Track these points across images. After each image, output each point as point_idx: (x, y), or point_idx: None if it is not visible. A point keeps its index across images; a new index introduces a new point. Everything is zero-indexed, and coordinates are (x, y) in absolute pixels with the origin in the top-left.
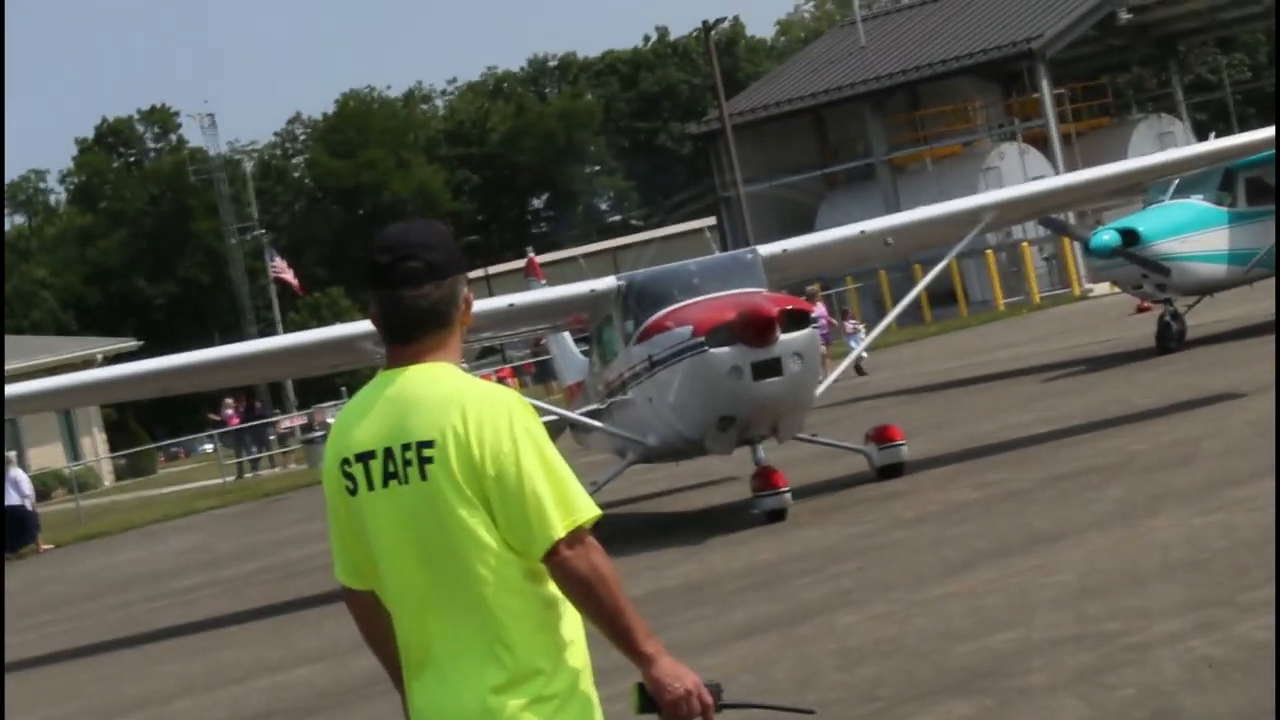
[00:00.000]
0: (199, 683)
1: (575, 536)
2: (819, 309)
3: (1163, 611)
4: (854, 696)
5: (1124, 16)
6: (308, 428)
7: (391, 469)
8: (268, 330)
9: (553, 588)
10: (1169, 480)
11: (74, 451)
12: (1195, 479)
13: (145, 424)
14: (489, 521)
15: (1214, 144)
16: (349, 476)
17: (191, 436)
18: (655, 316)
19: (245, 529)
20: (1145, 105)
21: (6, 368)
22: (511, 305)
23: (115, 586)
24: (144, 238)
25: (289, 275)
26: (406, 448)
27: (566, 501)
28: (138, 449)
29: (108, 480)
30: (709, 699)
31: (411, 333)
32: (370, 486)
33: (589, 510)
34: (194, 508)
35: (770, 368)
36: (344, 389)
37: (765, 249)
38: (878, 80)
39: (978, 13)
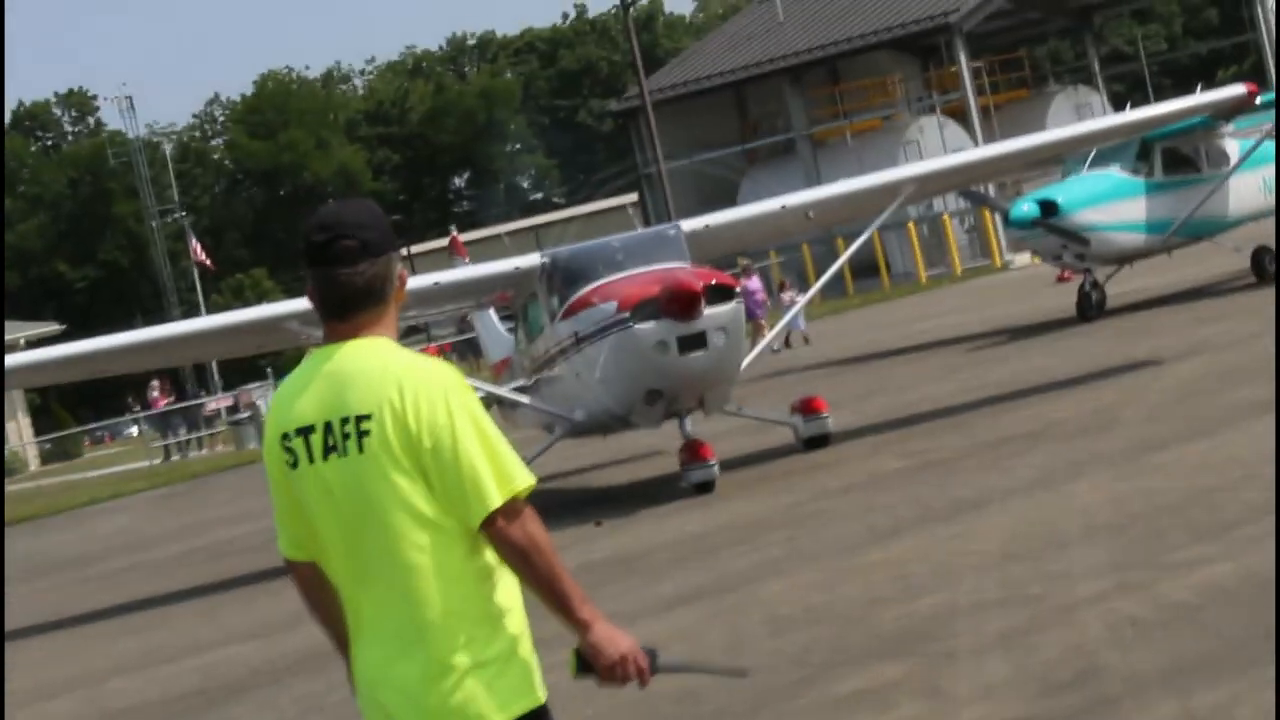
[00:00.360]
0: (131, 663)
1: (512, 506)
2: (754, 281)
3: (1085, 574)
4: (785, 662)
5: None
6: (234, 409)
7: (331, 442)
8: (191, 312)
9: (490, 556)
10: (1090, 446)
11: None
12: (1116, 445)
13: (69, 408)
14: (426, 493)
15: (1143, 112)
16: (289, 450)
17: (116, 420)
18: (580, 293)
19: (174, 511)
20: (1062, 77)
21: None
22: (437, 284)
23: (43, 570)
24: (64, 221)
25: (202, 255)
26: (345, 421)
27: (503, 472)
28: (63, 433)
29: (33, 465)
30: (644, 662)
31: (347, 309)
32: (310, 459)
33: (525, 480)
34: (121, 490)
35: (695, 341)
36: (269, 370)
37: (688, 224)
38: (796, 55)
39: None
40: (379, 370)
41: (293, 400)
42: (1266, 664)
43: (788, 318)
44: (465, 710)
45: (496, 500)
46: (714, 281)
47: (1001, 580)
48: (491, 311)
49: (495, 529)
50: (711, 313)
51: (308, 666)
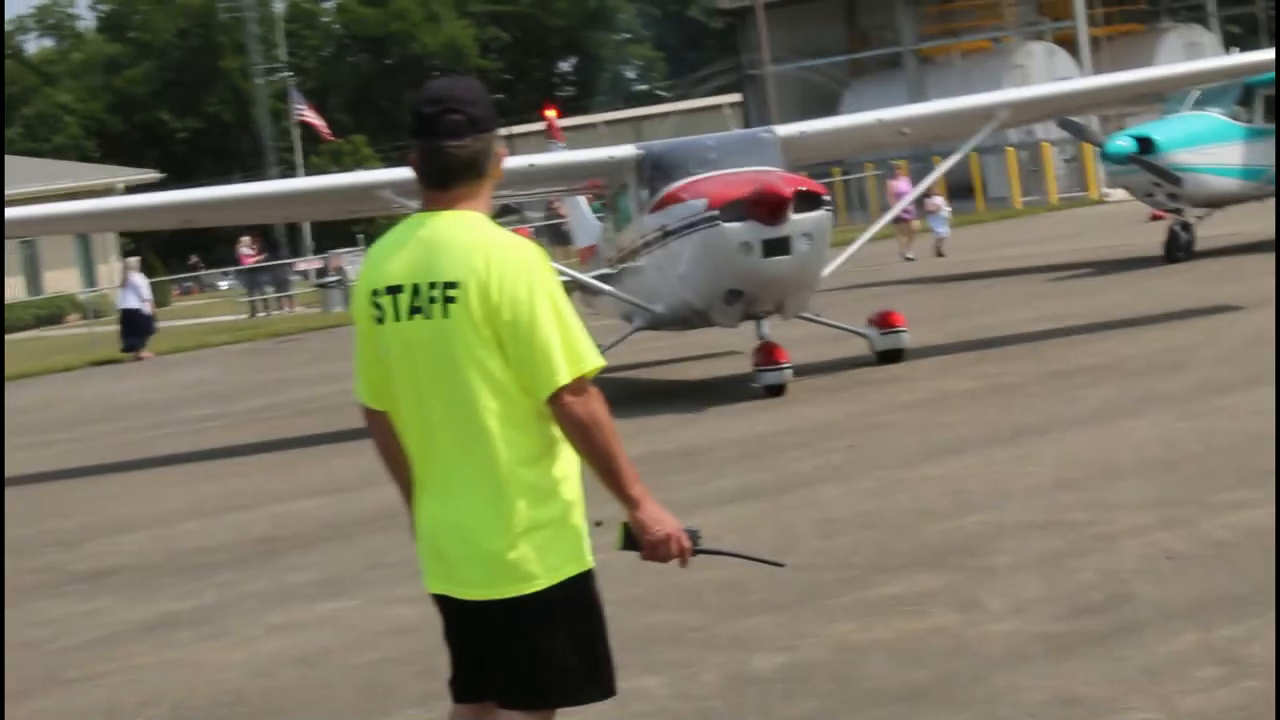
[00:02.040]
0: (205, 507)
1: (579, 384)
2: (903, 183)
3: (1131, 506)
4: (830, 563)
5: None
6: (322, 272)
7: (417, 304)
8: (288, 172)
9: (553, 428)
10: (1156, 384)
11: (90, 278)
12: (1182, 385)
13: (161, 258)
14: (501, 361)
15: (1248, 56)
16: (378, 306)
17: (207, 271)
18: (671, 188)
19: (255, 367)
20: (1178, 14)
21: (29, 189)
22: (532, 165)
23: (125, 411)
24: (170, 70)
25: (316, 119)
26: (433, 285)
27: (574, 351)
28: (153, 280)
29: None
30: (687, 543)
31: (448, 181)
32: (396, 318)
33: (593, 360)
34: (205, 342)
35: (780, 245)
36: (360, 237)
37: (783, 130)
38: None
39: None
40: (469, 242)
41: (385, 260)
42: None
43: (864, 237)
44: (518, 566)
45: (565, 376)
46: (803, 188)
47: (1049, 505)
48: (583, 199)
49: (561, 403)
50: (798, 219)
51: (375, 526)
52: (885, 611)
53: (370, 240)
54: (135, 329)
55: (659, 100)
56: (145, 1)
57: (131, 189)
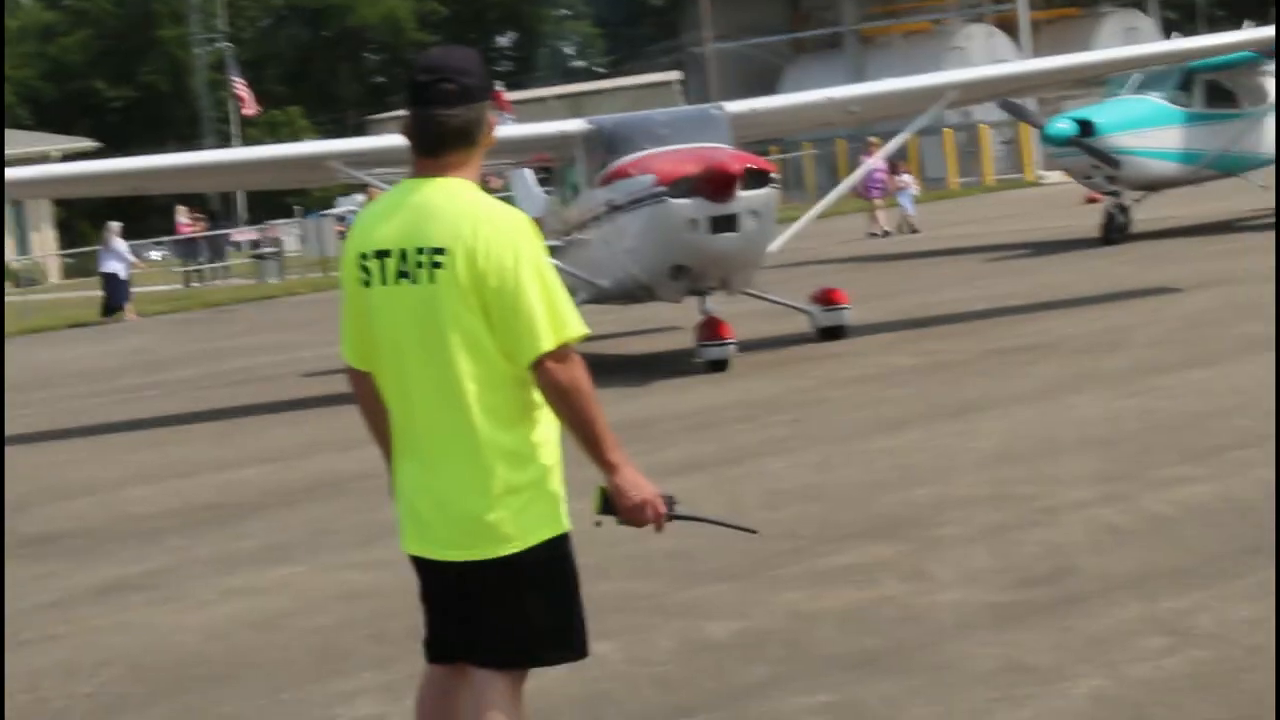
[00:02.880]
0: (149, 473)
1: (562, 351)
2: (876, 159)
3: (1074, 481)
4: (778, 534)
5: None
6: (257, 244)
7: (404, 268)
8: (224, 143)
9: (533, 394)
10: (1096, 363)
11: (23, 245)
12: (1121, 364)
13: (94, 227)
14: (485, 328)
15: (1198, 40)
16: (365, 270)
17: (140, 242)
18: (620, 163)
19: (192, 337)
20: None
21: None
22: None
23: (64, 379)
24: (106, 39)
25: (245, 91)
26: (420, 251)
27: (558, 318)
28: (87, 249)
29: (54, 277)
30: (662, 508)
31: (439, 149)
32: (383, 281)
33: (577, 328)
34: (141, 311)
35: (726, 223)
36: (296, 209)
37: (733, 106)
38: None
39: None
40: (458, 209)
41: (375, 225)
42: (1231, 578)
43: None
44: (496, 528)
45: (548, 343)
46: (752, 165)
47: (995, 479)
48: (528, 171)
49: (543, 369)
50: (746, 196)
51: (319, 494)
52: (834, 581)
53: (306, 212)
54: (116, 292)
55: (598, 76)
56: None
57: (67, 158)
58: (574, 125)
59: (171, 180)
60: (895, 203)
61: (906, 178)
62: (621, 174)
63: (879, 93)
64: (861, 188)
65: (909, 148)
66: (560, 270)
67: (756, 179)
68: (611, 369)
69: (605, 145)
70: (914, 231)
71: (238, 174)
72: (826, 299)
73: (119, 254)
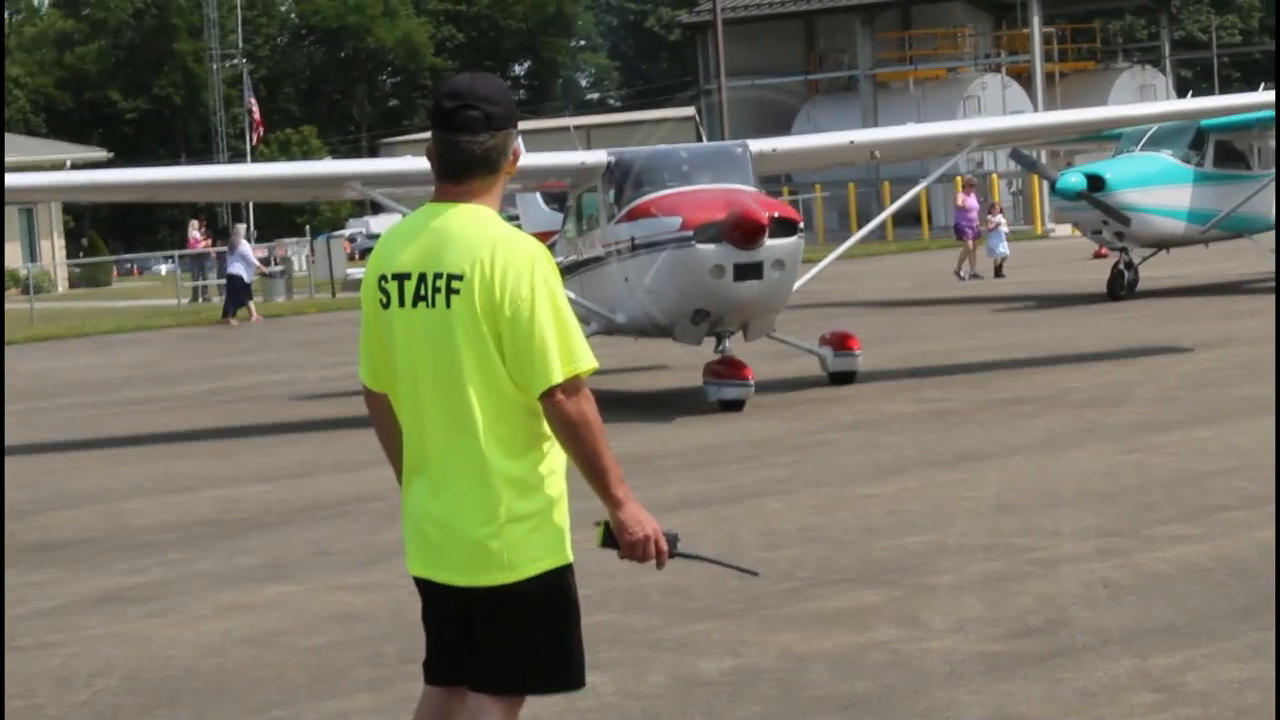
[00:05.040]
0: (151, 486)
1: (572, 383)
2: (972, 199)
3: (1071, 534)
4: (773, 574)
5: None
6: (265, 261)
7: (422, 292)
8: (236, 159)
9: (542, 424)
10: (1098, 418)
11: (32, 253)
12: (1123, 420)
13: (103, 238)
14: (497, 355)
15: (1220, 100)
16: (384, 291)
17: (148, 254)
18: (644, 199)
19: (197, 352)
20: (1132, 55)
21: None
22: None
23: (68, 389)
24: (123, 49)
25: (256, 111)
26: (439, 276)
27: (570, 351)
28: (95, 259)
29: (61, 287)
30: (664, 546)
31: (462, 175)
32: (401, 304)
33: (588, 362)
34: (147, 324)
35: (752, 270)
36: (307, 228)
37: (755, 145)
38: None
39: None
40: (478, 237)
41: (396, 247)
42: (1224, 639)
43: (829, 259)
44: (501, 556)
45: (559, 375)
46: (778, 214)
47: (991, 529)
48: (538, 195)
49: (553, 400)
50: (772, 244)
51: (318, 514)
52: (828, 623)
53: (315, 231)
54: (238, 294)
55: (612, 109)
56: None
57: (79, 166)
58: (595, 157)
59: (188, 191)
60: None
61: (999, 218)
62: (645, 211)
63: (903, 137)
64: (960, 228)
65: (921, 195)
66: (570, 299)
67: (783, 228)
68: (610, 404)
69: (627, 179)
70: (1000, 275)
71: (257, 188)
72: (840, 343)
73: (244, 256)
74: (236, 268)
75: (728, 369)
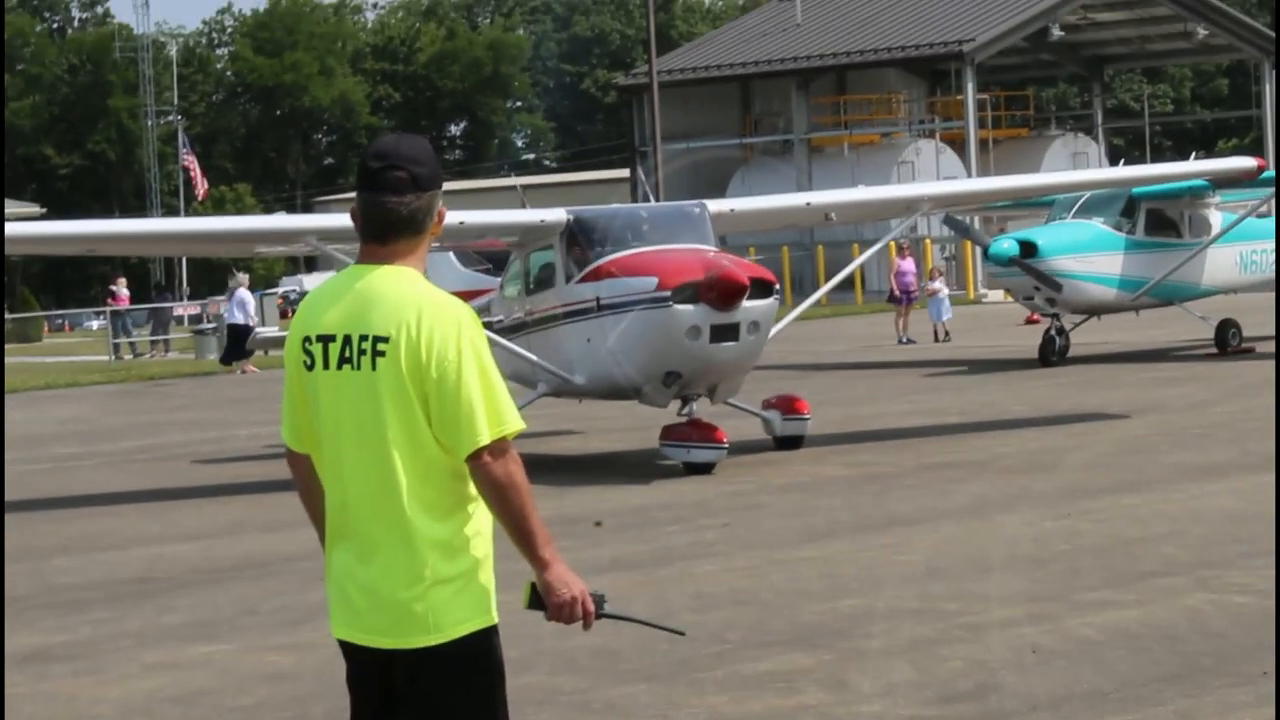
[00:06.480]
0: (77, 545)
1: (499, 445)
2: (908, 263)
3: (1001, 599)
4: (704, 637)
5: (1056, 33)
6: (198, 319)
7: (347, 354)
8: (171, 215)
9: (468, 486)
10: (1028, 484)
11: None
12: (1052, 486)
13: (34, 293)
14: (423, 418)
15: (1159, 168)
16: (308, 353)
17: (79, 310)
18: (608, 258)
19: (127, 409)
20: (1065, 122)
21: None
22: (462, 223)
23: None
24: (58, 105)
25: (196, 172)
26: (364, 338)
27: (496, 412)
28: (25, 315)
29: None
30: (591, 607)
31: (387, 235)
32: (325, 365)
33: (515, 423)
34: (78, 380)
35: (728, 332)
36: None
37: (714, 205)
38: (808, 59)
39: (914, 8)
40: (403, 298)
41: (321, 309)
42: (1151, 705)
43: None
44: (426, 618)
45: (486, 437)
46: (757, 276)
47: (921, 593)
48: (451, 254)
49: (480, 463)
50: (749, 306)
51: (246, 574)
52: (757, 686)
53: (251, 287)
54: (237, 344)
55: (548, 170)
56: (37, 35)
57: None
58: (554, 215)
59: (132, 245)
60: (924, 307)
61: (938, 284)
62: (609, 271)
63: (857, 200)
64: (894, 292)
65: (850, 256)
66: (518, 357)
67: (761, 289)
68: (539, 466)
69: (587, 238)
70: (945, 338)
71: (209, 242)
72: (788, 407)
73: (243, 304)
74: (236, 316)
75: (697, 432)
